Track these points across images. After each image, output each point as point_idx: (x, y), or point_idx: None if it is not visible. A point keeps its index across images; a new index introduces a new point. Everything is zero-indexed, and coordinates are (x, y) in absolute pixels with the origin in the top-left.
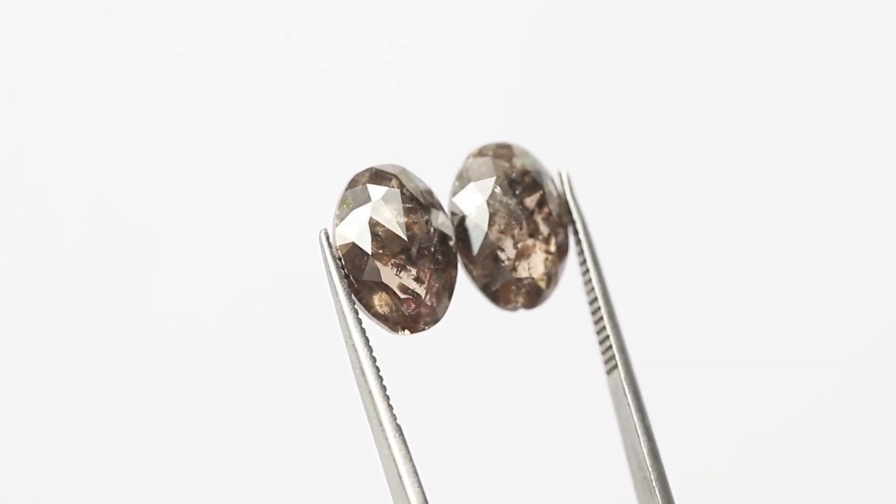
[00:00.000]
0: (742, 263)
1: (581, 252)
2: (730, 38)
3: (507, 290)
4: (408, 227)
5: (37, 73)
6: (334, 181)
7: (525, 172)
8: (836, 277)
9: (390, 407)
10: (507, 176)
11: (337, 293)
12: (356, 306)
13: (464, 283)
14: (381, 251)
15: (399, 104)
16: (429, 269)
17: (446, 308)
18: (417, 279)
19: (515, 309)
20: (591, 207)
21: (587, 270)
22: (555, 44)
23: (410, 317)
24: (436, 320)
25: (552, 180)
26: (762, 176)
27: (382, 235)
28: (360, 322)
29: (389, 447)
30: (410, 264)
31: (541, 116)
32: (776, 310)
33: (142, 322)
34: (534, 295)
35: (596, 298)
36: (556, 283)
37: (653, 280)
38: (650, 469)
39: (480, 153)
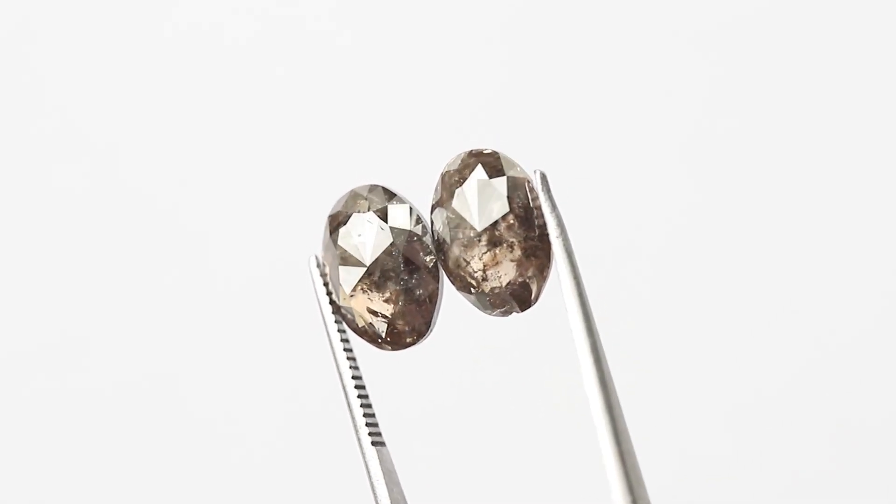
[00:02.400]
0: (732, 259)
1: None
2: (707, 34)
3: (483, 298)
4: (371, 251)
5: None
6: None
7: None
8: (821, 270)
9: (367, 427)
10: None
11: (323, 316)
12: (344, 325)
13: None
14: (348, 277)
15: (397, 110)
16: (395, 290)
17: (429, 322)
18: (388, 301)
19: (506, 314)
20: (580, 208)
21: (559, 272)
22: (535, 44)
23: (391, 335)
24: (421, 335)
25: (527, 182)
26: (751, 171)
27: (348, 261)
28: (344, 345)
29: (367, 468)
30: (376, 288)
31: (532, 115)
32: (772, 308)
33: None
34: (511, 301)
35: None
36: (538, 286)
37: (640, 276)
38: (615, 471)
39: (453, 163)
